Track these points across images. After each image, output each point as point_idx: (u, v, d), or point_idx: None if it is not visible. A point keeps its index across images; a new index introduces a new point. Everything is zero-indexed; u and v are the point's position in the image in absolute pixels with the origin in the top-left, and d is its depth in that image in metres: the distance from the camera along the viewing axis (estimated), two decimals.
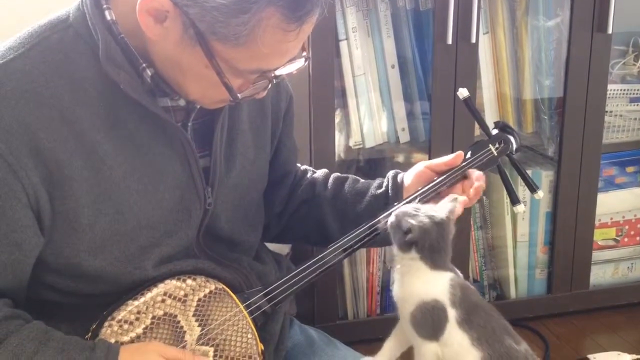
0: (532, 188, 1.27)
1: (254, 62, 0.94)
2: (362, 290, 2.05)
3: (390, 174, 1.27)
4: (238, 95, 0.96)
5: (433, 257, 1.07)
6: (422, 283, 1.07)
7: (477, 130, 1.91)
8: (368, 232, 1.15)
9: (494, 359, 1.04)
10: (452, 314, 1.06)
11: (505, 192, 1.82)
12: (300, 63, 1.00)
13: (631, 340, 2.05)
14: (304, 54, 1.00)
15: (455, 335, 1.05)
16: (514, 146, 1.26)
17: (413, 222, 1.05)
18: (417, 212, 1.08)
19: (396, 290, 1.11)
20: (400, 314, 1.11)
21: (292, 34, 0.92)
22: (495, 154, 1.24)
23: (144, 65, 0.99)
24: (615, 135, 2.14)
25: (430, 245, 1.06)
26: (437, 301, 1.06)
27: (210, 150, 1.09)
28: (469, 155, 1.23)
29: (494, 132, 1.27)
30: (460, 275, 1.11)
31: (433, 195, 1.19)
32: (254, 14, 0.88)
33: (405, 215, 1.08)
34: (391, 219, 1.10)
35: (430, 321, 1.06)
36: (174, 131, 1.03)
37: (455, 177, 1.20)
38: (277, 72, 0.98)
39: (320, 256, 1.13)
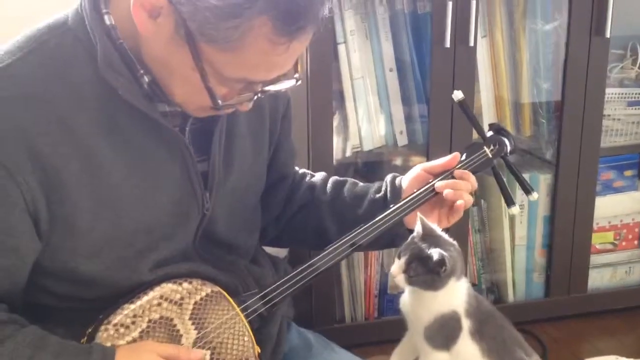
0: (527, 190, 1.27)
1: (240, 70, 0.93)
2: (360, 294, 2.04)
3: (389, 177, 1.27)
4: (219, 102, 0.95)
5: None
6: (442, 296, 1.06)
7: (475, 134, 1.91)
8: (366, 232, 1.15)
9: None
10: (465, 324, 1.05)
11: None
12: (290, 83, 0.99)
13: (629, 344, 2.05)
14: (296, 75, 0.99)
15: (466, 346, 1.05)
16: (509, 148, 1.26)
17: (445, 254, 1.04)
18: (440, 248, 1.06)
19: (407, 303, 1.10)
20: (412, 327, 1.10)
21: (282, 48, 0.91)
22: (490, 156, 1.24)
23: (141, 71, 0.98)
24: (613, 139, 2.14)
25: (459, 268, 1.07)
26: (455, 312, 1.06)
27: (208, 154, 1.09)
28: (464, 157, 1.24)
29: (489, 134, 1.28)
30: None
31: (430, 197, 1.19)
32: (245, 19, 0.87)
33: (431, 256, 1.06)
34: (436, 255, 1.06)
35: (445, 333, 1.05)
36: (172, 136, 1.03)
37: (449, 179, 1.20)
38: (265, 88, 0.98)
39: (316, 258, 1.13)
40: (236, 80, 0.95)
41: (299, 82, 1.00)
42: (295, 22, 0.89)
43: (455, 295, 1.07)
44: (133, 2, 0.91)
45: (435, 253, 1.03)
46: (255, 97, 1.00)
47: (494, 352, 1.05)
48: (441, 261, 1.03)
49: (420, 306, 1.08)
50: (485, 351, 1.05)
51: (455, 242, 1.11)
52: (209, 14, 0.88)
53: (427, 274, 1.04)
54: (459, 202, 1.17)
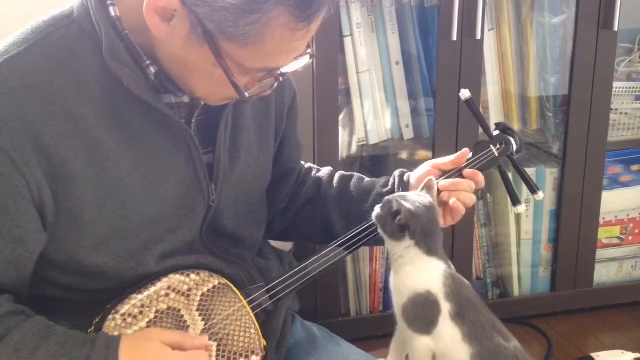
0: (533, 189, 1.28)
1: (261, 60, 0.94)
2: (365, 287, 2.04)
3: (397, 172, 1.27)
4: (246, 94, 0.96)
5: (427, 241, 1.08)
6: (417, 273, 1.07)
7: (481, 128, 1.91)
8: (372, 229, 1.15)
9: (483, 356, 1.05)
10: (445, 306, 1.06)
11: None
12: (305, 60, 1.00)
13: (634, 339, 2.05)
14: (309, 50, 0.99)
15: (447, 329, 1.05)
16: (515, 147, 1.27)
17: (403, 203, 1.06)
18: (403, 199, 1.08)
19: (392, 281, 1.11)
20: (395, 307, 1.11)
21: (301, 33, 0.92)
22: (497, 155, 1.25)
23: (147, 62, 0.98)
24: (621, 133, 2.13)
25: (423, 228, 1.07)
26: (430, 293, 1.06)
27: (214, 146, 1.09)
28: (470, 155, 1.24)
29: (495, 133, 1.28)
30: (452, 266, 1.11)
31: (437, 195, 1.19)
32: (263, 13, 0.88)
33: (392, 201, 1.08)
34: (376, 210, 1.11)
35: (421, 314, 1.06)
36: (177, 128, 1.03)
37: (455, 176, 1.21)
38: (283, 70, 0.98)
39: (322, 253, 1.13)
40: (258, 70, 0.96)
41: (313, 58, 1.01)
42: (312, 7, 0.90)
43: (428, 273, 1.07)
44: (145, 8, 0.91)
45: (396, 203, 1.08)
46: (277, 83, 1.01)
47: (474, 336, 1.05)
48: (397, 212, 1.06)
49: (398, 284, 1.09)
50: (466, 335, 1.05)
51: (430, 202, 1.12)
52: (227, 13, 0.88)
53: (387, 217, 1.09)
54: (452, 201, 1.16)
